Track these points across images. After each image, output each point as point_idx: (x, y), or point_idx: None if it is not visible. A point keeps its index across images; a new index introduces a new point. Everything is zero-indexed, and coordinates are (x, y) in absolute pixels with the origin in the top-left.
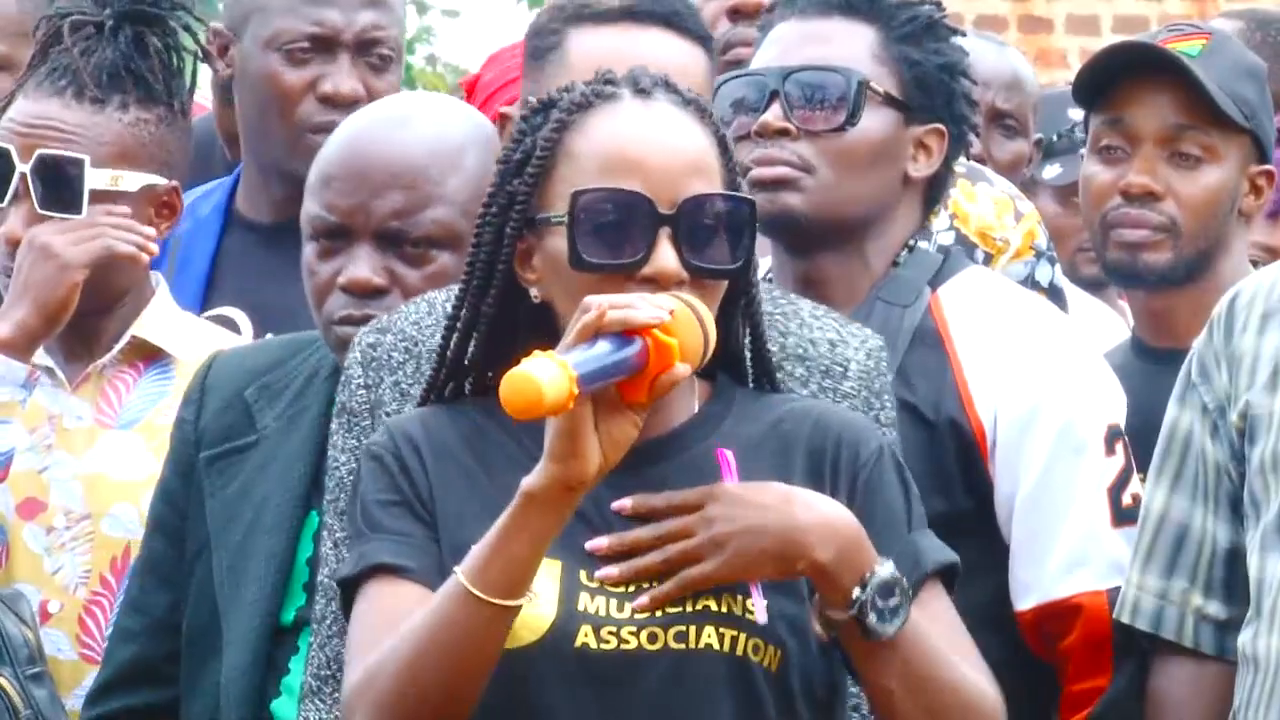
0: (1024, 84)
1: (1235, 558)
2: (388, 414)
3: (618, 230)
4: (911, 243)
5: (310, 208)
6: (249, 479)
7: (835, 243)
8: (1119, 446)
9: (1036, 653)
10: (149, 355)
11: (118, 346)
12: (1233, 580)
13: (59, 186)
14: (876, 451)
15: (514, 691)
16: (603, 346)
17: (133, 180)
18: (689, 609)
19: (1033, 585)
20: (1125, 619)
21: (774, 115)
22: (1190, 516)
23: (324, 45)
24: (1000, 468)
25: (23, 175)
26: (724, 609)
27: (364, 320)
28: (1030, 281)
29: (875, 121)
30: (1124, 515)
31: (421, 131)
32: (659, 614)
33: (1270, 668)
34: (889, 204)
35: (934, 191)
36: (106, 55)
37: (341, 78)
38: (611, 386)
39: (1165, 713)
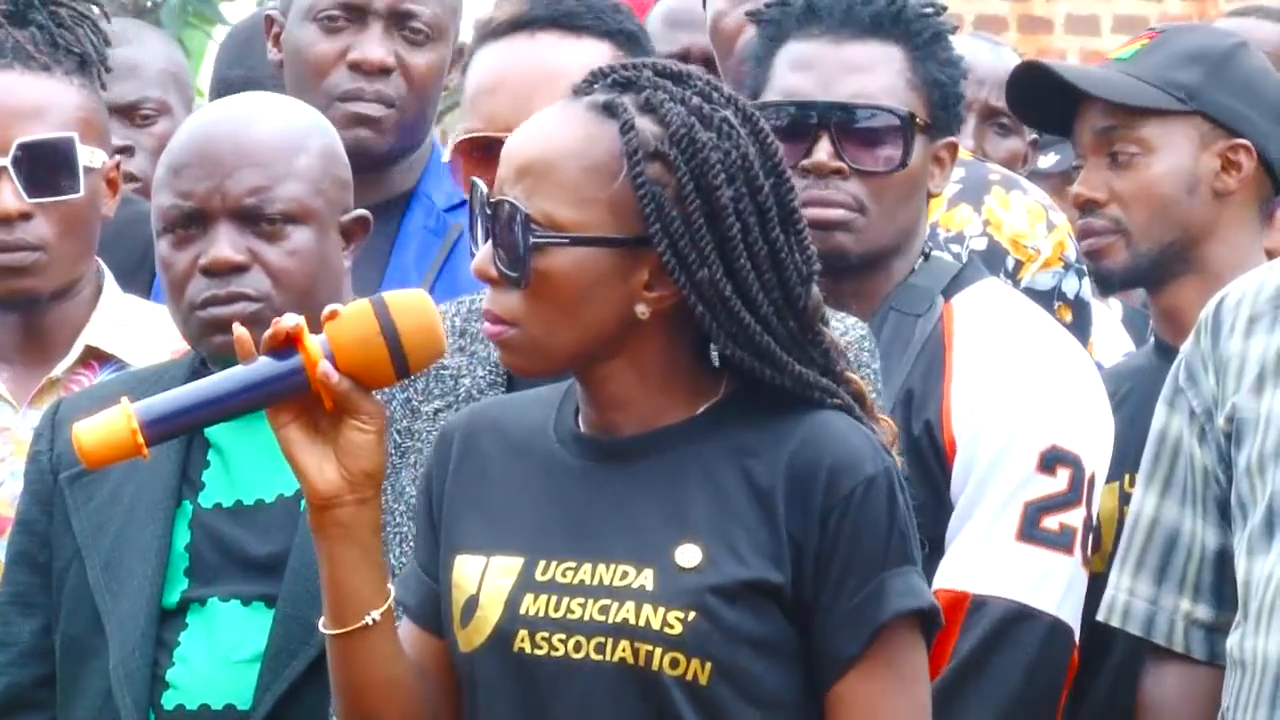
0: None
1: (1224, 562)
2: (398, 431)
3: None
4: (927, 250)
5: (162, 199)
6: (115, 488)
7: (868, 268)
8: (1064, 473)
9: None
10: (103, 356)
11: (72, 357)
12: (1222, 584)
13: (49, 170)
14: (862, 483)
15: (471, 694)
16: (258, 367)
17: (100, 155)
18: (610, 620)
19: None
20: (1115, 623)
21: (826, 154)
22: (1180, 521)
23: (356, 13)
24: (955, 479)
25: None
26: (641, 623)
27: (229, 300)
28: (1057, 293)
29: (915, 152)
30: (1038, 535)
31: (266, 116)
32: (586, 620)
33: (1258, 670)
34: (918, 223)
35: (931, 198)
36: (31, 28)
37: (371, 45)
38: (307, 398)
39: (1157, 717)
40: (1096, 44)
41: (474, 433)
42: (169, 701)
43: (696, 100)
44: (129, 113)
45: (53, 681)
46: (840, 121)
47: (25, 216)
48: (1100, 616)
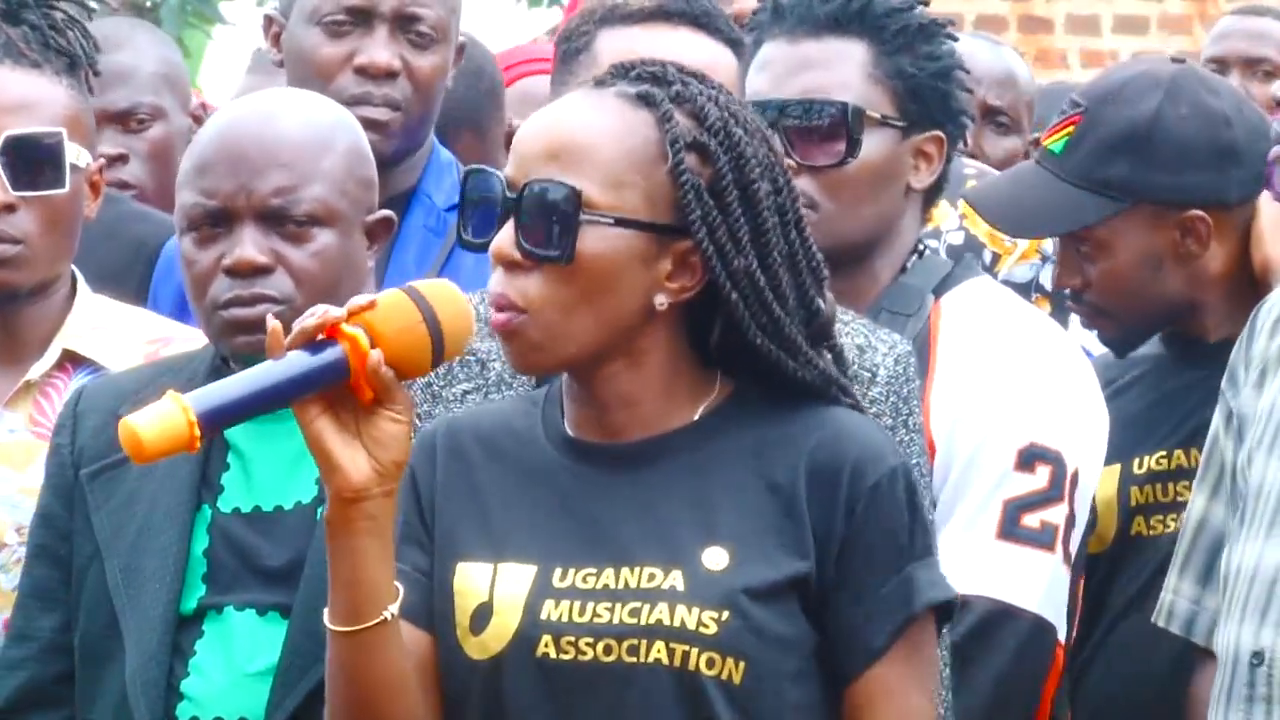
0: (1017, 81)
1: None
2: (418, 415)
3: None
4: (922, 248)
5: (187, 197)
6: (134, 487)
7: (842, 265)
8: (1044, 470)
9: None
10: (79, 359)
11: (49, 360)
12: None
13: (36, 164)
14: (887, 474)
15: (486, 701)
16: (293, 359)
17: (85, 156)
18: (643, 622)
19: None
20: (1160, 623)
21: None
22: (1224, 523)
23: (361, 17)
24: (936, 478)
25: None
26: (677, 623)
27: (253, 301)
28: (1034, 285)
29: (874, 145)
30: (1018, 533)
31: (292, 115)
32: (615, 623)
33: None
34: (894, 219)
35: (933, 194)
36: (23, 27)
37: (377, 49)
38: (343, 389)
39: (1201, 716)
40: (1096, 44)
41: (457, 438)
42: (183, 713)
43: (723, 99)
44: (123, 119)
45: (72, 678)
46: (789, 118)
47: (9, 209)
48: (1153, 618)
